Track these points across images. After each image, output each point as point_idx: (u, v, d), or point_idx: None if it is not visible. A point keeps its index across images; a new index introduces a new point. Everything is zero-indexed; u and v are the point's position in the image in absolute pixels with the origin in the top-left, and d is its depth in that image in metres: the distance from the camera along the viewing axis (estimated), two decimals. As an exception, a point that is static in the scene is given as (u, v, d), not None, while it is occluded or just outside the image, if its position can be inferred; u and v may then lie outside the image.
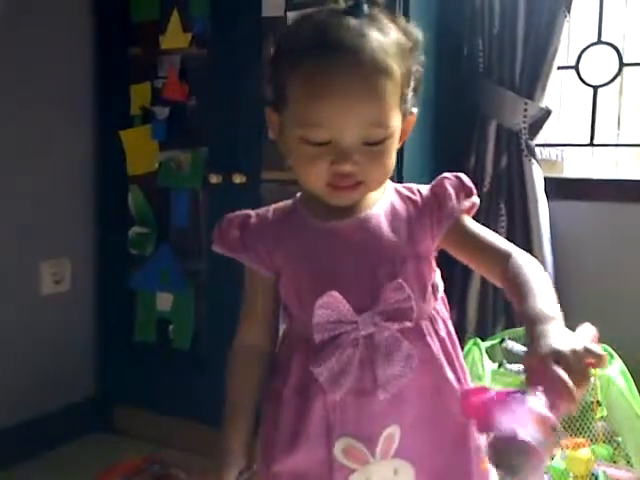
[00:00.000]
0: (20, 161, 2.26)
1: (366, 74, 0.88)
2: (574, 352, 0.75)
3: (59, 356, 2.38)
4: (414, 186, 1.03)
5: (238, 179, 2.14)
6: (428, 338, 0.97)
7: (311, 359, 0.94)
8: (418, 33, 0.97)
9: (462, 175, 1.01)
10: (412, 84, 0.96)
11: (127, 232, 2.42)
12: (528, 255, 0.94)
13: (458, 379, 0.99)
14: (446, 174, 1.01)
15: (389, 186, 1.02)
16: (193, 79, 2.32)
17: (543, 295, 0.86)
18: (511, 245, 0.96)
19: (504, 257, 0.93)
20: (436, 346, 0.98)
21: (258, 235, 1.01)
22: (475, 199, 1.00)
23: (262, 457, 1.01)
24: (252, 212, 1.04)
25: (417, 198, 1.00)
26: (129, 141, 2.38)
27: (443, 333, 1.00)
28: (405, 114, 0.96)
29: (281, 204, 1.05)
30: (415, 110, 0.99)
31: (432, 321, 0.99)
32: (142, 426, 2.38)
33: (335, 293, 0.92)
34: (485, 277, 1.01)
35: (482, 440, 0.99)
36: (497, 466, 0.74)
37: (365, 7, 0.92)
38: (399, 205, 1.00)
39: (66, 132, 2.41)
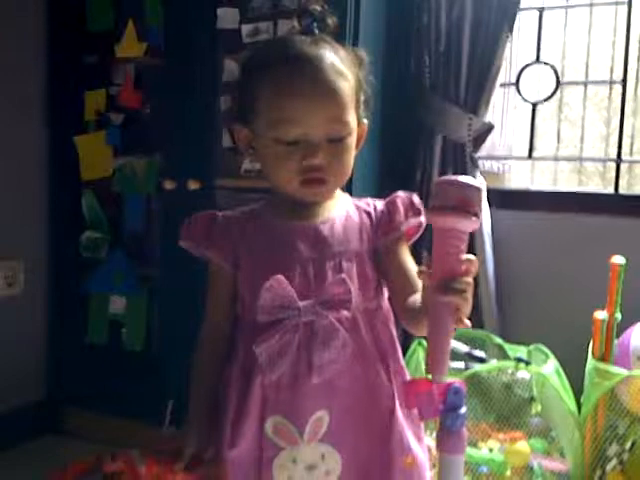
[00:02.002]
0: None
1: (326, 76, 1.01)
2: None
3: (10, 358, 2.38)
4: (370, 200, 1.13)
5: (193, 185, 2.19)
6: (363, 332, 1.04)
7: (254, 340, 1.02)
8: (363, 53, 1.10)
9: (414, 196, 1.11)
10: (362, 95, 1.08)
11: (81, 236, 2.44)
12: None
13: (389, 378, 1.05)
14: (400, 192, 1.12)
15: (347, 200, 1.13)
16: (148, 87, 2.36)
17: None
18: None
19: (411, 292, 1.02)
20: (370, 341, 1.05)
21: (222, 232, 1.10)
22: (422, 219, 1.09)
23: (217, 438, 1.06)
24: (219, 212, 1.12)
25: (371, 210, 1.11)
26: (83, 146, 2.41)
27: (380, 331, 1.07)
28: (359, 121, 1.08)
29: (247, 207, 1.14)
30: (366, 121, 1.11)
31: (370, 318, 1.06)
32: (93, 428, 2.39)
33: (280, 277, 1.00)
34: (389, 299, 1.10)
35: (409, 438, 1.05)
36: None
37: (316, 31, 1.07)
38: (354, 214, 1.10)
39: (20, 136, 2.42)
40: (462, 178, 0.88)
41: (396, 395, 1.05)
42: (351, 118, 1.04)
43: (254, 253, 1.07)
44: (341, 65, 1.03)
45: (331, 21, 1.09)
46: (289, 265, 1.03)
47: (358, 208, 1.11)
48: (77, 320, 2.45)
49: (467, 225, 0.87)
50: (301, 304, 1.01)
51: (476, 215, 0.87)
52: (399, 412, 1.05)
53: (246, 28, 2.12)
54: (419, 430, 1.09)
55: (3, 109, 2.35)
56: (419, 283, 1.03)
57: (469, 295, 0.86)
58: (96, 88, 2.40)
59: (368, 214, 1.10)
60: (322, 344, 1.00)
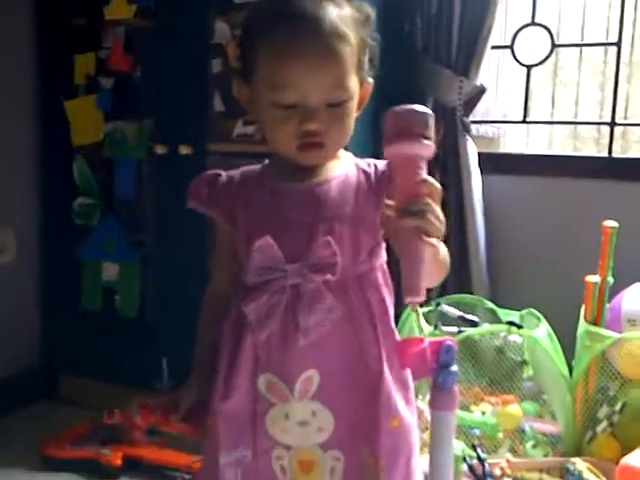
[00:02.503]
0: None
1: (326, 40, 0.97)
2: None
3: (4, 325, 2.38)
4: (372, 161, 1.11)
5: (184, 150, 2.17)
6: (352, 295, 1.04)
7: (244, 300, 1.03)
8: (369, 9, 1.06)
9: None
10: (367, 54, 1.04)
11: (72, 202, 2.42)
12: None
13: (377, 340, 1.04)
14: None
15: (349, 159, 1.10)
16: (138, 50, 2.32)
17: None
18: None
19: None
20: (358, 305, 1.04)
21: (224, 192, 1.09)
22: None
23: (210, 390, 1.08)
24: (223, 172, 1.12)
25: (371, 170, 1.08)
26: (74, 111, 2.38)
27: (370, 295, 1.05)
28: (362, 82, 1.05)
29: (249, 167, 1.13)
30: (371, 80, 1.08)
31: (360, 282, 1.05)
32: (88, 394, 2.40)
33: (268, 238, 1.00)
34: None
35: (397, 400, 1.05)
36: None
37: None
38: (353, 175, 1.07)
39: (9, 102, 2.39)
40: (409, 105, 0.89)
41: (384, 357, 1.04)
42: (352, 82, 1.01)
43: (250, 214, 1.07)
44: (343, 26, 0.99)
45: None
46: (281, 228, 1.03)
47: (358, 169, 1.09)
48: (70, 287, 2.44)
49: (419, 149, 0.87)
50: (288, 267, 1.01)
51: (426, 138, 0.87)
52: (387, 374, 1.05)
53: (238, -11, 2.09)
54: (408, 393, 1.09)
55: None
56: None
57: (431, 215, 0.87)
58: (86, 51, 2.36)
59: (367, 175, 1.08)
60: (307, 307, 1.01)
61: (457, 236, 2.21)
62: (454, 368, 0.97)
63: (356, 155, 1.14)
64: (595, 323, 1.82)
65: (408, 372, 1.07)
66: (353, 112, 1.04)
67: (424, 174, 0.88)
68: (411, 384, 1.09)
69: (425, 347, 0.98)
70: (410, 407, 1.08)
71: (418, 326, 1.83)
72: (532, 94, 2.46)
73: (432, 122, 0.88)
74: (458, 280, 2.18)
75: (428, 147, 0.88)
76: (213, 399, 1.06)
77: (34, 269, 2.50)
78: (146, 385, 2.18)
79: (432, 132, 0.88)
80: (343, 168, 1.08)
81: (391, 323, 1.08)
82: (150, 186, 2.34)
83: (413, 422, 1.08)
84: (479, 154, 2.26)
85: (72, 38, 2.39)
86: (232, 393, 1.04)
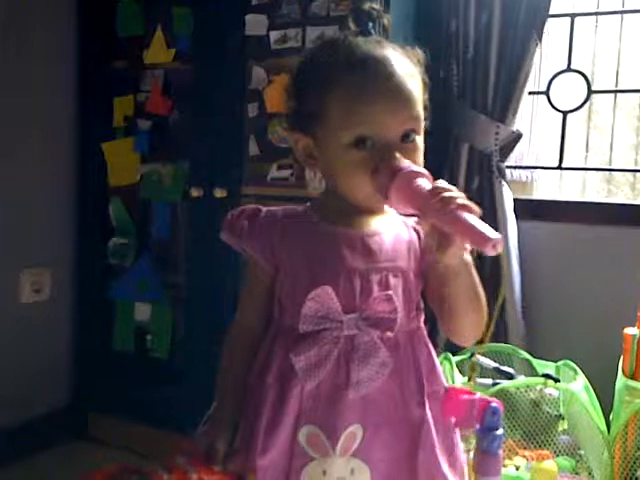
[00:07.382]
0: (1, 171, 2.28)
1: (399, 77, 0.98)
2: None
3: (36, 364, 2.39)
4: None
5: (219, 193, 2.19)
6: (402, 351, 1.02)
7: (292, 348, 1.00)
8: (419, 51, 1.07)
9: None
10: (426, 94, 1.05)
11: (107, 242, 2.45)
12: None
13: (422, 399, 1.02)
14: None
15: (395, 215, 1.09)
16: (176, 94, 2.36)
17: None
18: None
19: None
20: (407, 361, 1.03)
21: (265, 228, 1.06)
22: None
23: (246, 443, 1.04)
24: (263, 207, 1.09)
25: (420, 227, 1.06)
26: (111, 153, 2.42)
27: (419, 352, 1.04)
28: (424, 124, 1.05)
29: (291, 207, 1.11)
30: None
31: (411, 338, 1.04)
32: (117, 435, 2.40)
33: (328, 288, 0.98)
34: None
35: (440, 461, 1.02)
36: None
37: (372, 32, 1.05)
38: (403, 230, 1.07)
39: (49, 142, 2.43)
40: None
41: (429, 416, 1.02)
42: (422, 115, 1.01)
43: (295, 256, 1.05)
44: (409, 63, 1.01)
45: (387, 21, 1.06)
46: (333, 273, 1.01)
47: (408, 226, 1.08)
48: (103, 327, 2.46)
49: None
50: (344, 317, 0.99)
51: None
52: (431, 433, 1.02)
53: (274, 35, 2.12)
54: (453, 458, 1.06)
55: (32, 117, 2.37)
56: None
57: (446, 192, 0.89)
58: (124, 94, 2.41)
59: (418, 233, 1.07)
60: (361, 360, 0.99)
61: (493, 283, 2.18)
62: (499, 432, 0.95)
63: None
64: (634, 377, 1.77)
65: (455, 437, 1.05)
66: (422, 150, 1.02)
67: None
68: (458, 445, 1.06)
69: (475, 399, 0.98)
70: (454, 471, 1.05)
71: (451, 376, 1.80)
72: (566, 137, 2.44)
73: None
74: (494, 328, 2.15)
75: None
76: (251, 453, 1.02)
77: (68, 308, 2.52)
78: (175, 426, 2.17)
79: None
80: (391, 222, 1.07)
81: (439, 382, 1.06)
82: (184, 228, 2.36)
83: None
84: (514, 200, 2.24)
85: (112, 81, 2.44)
86: (272, 446, 1.01)
